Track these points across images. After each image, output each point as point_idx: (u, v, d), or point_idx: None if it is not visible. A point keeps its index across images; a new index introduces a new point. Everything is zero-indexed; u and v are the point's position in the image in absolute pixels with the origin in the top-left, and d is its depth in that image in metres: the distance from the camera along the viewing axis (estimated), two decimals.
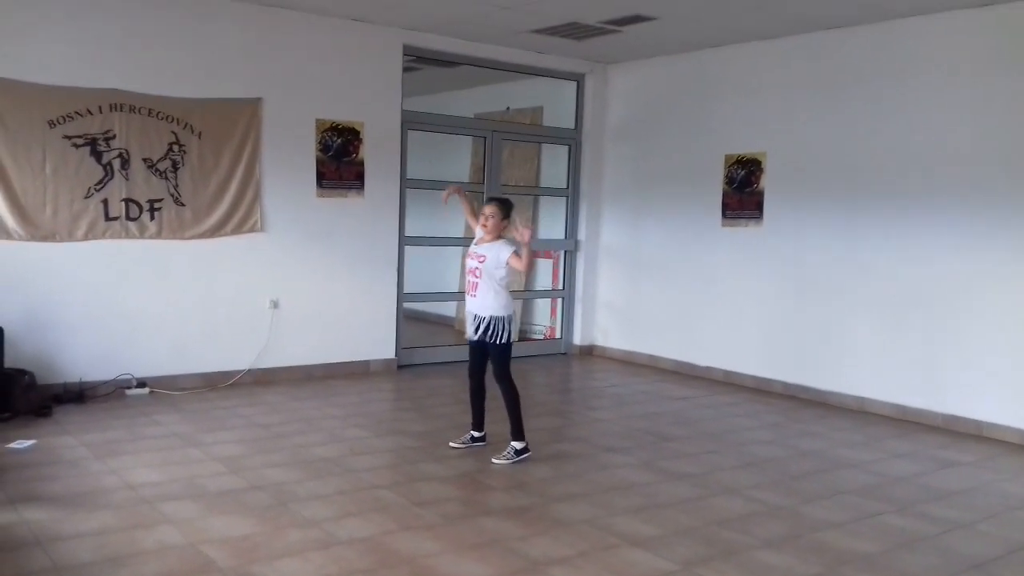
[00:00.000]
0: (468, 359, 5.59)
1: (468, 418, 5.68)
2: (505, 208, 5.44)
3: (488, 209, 5.42)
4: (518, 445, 5.35)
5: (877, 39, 6.98)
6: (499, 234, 5.41)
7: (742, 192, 8.04)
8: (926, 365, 6.70)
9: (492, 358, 5.41)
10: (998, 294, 6.30)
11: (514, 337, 5.42)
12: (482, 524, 4.26)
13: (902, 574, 3.83)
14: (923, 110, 6.70)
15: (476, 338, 5.41)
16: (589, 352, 9.54)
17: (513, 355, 5.48)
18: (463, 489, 4.81)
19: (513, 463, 5.27)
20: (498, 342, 5.33)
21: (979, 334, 6.40)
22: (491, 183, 8.99)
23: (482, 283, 5.34)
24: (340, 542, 3.97)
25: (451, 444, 5.58)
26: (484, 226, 5.42)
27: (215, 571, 3.61)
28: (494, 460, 5.29)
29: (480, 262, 5.36)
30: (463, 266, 10.70)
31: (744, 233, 8.04)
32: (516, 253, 5.27)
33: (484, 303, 5.34)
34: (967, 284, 6.46)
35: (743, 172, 8.02)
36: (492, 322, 5.32)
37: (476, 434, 5.62)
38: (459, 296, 10.67)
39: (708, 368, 8.36)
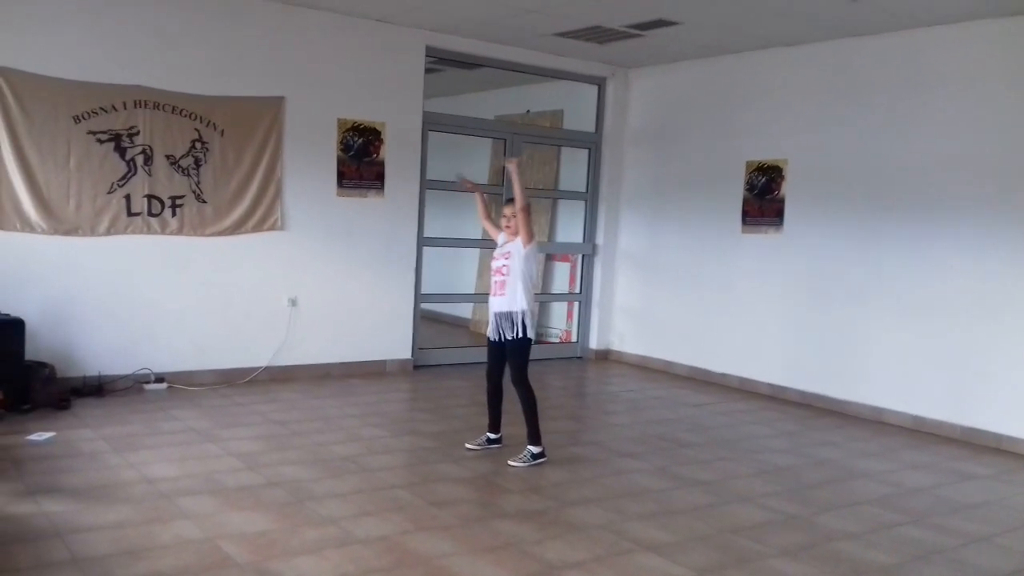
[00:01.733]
0: (486, 361, 5.59)
1: (484, 419, 5.69)
2: (526, 212, 5.40)
3: (508, 210, 5.42)
4: (535, 449, 5.35)
5: (900, 47, 6.95)
6: (518, 233, 5.38)
7: (762, 199, 8.02)
8: (945, 376, 6.66)
9: (510, 360, 5.40)
10: (1020, 306, 6.25)
11: (532, 334, 5.39)
12: (497, 526, 4.27)
13: None
14: (946, 119, 6.67)
15: (496, 337, 5.40)
16: (605, 356, 9.53)
17: (530, 358, 5.48)
18: (479, 491, 4.82)
19: (529, 467, 5.27)
20: (518, 335, 5.30)
21: (999, 346, 6.35)
22: (510, 185, 8.96)
23: (510, 280, 5.33)
24: (357, 540, 3.98)
25: (467, 446, 5.59)
26: (507, 227, 5.42)
27: (232, 566, 3.64)
28: (510, 463, 5.29)
29: (507, 259, 5.35)
30: (481, 267, 10.81)
31: (764, 240, 8.01)
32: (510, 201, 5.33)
33: (511, 300, 5.32)
34: (988, 295, 6.42)
35: (764, 179, 8.00)
36: (514, 317, 5.30)
37: (492, 436, 5.63)
38: (476, 298, 10.75)
39: (724, 375, 8.34)
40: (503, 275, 5.37)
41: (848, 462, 5.80)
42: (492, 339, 5.47)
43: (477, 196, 5.88)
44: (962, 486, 5.40)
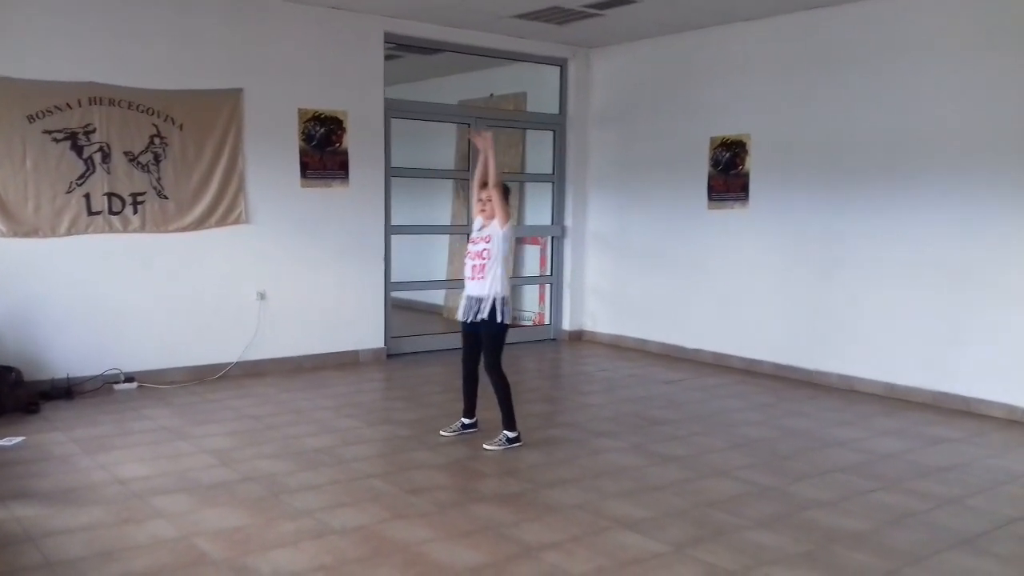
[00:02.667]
0: (461, 346, 5.57)
1: (459, 406, 5.69)
2: (499, 193, 5.34)
3: (484, 193, 5.35)
4: (510, 434, 5.35)
5: (863, 18, 6.98)
6: (497, 215, 5.31)
7: (727, 174, 8.05)
8: (914, 343, 6.74)
9: (485, 346, 5.35)
10: (984, 272, 6.33)
11: (508, 320, 5.35)
12: (475, 511, 4.27)
13: (892, 550, 3.86)
14: (910, 89, 6.72)
15: (472, 319, 5.33)
16: (578, 337, 9.55)
17: (504, 343, 5.46)
18: (455, 476, 4.82)
19: (504, 450, 5.27)
20: (497, 320, 5.25)
21: (967, 311, 6.44)
22: (476, 170, 8.95)
23: (489, 265, 5.26)
24: (334, 532, 3.97)
25: (441, 432, 5.58)
26: (483, 211, 5.35)
27: (208, 564, 3.61)
28: (486, 446, 5.29)
29: (487, 243, 5.28)
30: (451, 253, 10.77)
31: (730, 215, 8.05)
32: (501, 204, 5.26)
33: (488, 284, 5.25)
34: (954, 262, 6.49)
35: (728, 154, 8.03)
36: (493, 302, 5.25)
37: (467, 421, 5.61)
38: (447, 284, 10.72)
39: (697, 351, 8.39)
40: (483, 259, 5.28)
41: (821, 431, 5.86)
42: (465, 322, 5.42)
43: (482, 155, 5.49)
44: (933, 450, 5.47)
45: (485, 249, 5.30)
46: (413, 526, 4.05)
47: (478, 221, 5.45)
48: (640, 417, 6.19)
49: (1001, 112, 6.19)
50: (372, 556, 3.71)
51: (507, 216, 5.30)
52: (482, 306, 5.28)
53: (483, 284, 5.29)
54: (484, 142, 5.34)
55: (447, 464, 5.02)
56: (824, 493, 4.60)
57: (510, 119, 9.81)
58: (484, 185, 5.39)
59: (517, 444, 5.34)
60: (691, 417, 6.23)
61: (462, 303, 5.47)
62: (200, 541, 3.84)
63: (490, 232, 5.31)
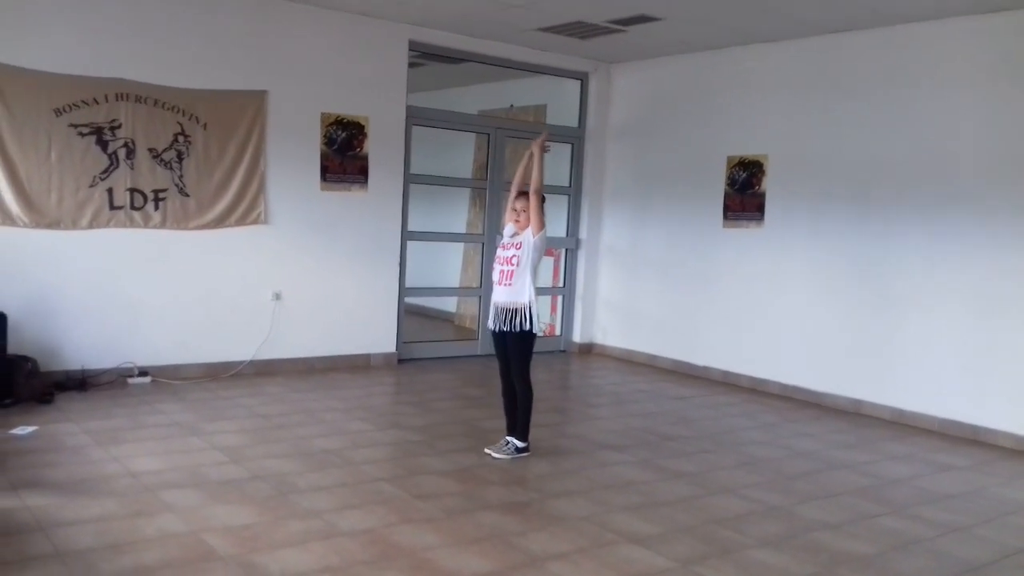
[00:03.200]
0: (497, 359, 5.46)
1: (470, 413, 5.75)
2: (536, 202, 5.27)
3: (520, 204, 5.28)
4: (520, 444, 5.35)
5: (881, 44, 7.01)
6: (530, 223, 5.26)
7: (744, 194, 8.07)
8: (924, 369, 6.74)
9: (512, 354, 5.29)
10: (997, 300, 6.33)
11: (538, 329, 5.28)
12: (482, 518, 4.29)
13: None
14: (926, 115, 6.73)
15: (502, 329, 5.27)
16: (588, 350, 9.57)
17: (533, 352, 5.42)
18: (463, 483, 4.84)
19: (512, 459, 5.29)
20: (523, 328, 5.20)
21: (978, 339, 6.43)
22: (494, 180, 9.02)
23: (518, 272, 5.22)
24: (341, 533, 4.00)
25: (490, 453, 5.35)
26: (517, 221, 5.30)
27: (216, 560, 3.65)
28: (494, 455, 5.30)
29: (518, 249, 5.24)
30: (465, 261, 10.81)
31: (745, 234, 8.07)
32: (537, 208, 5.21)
33: (518, 291, 5.21)
34: (968, 288, 6.49)
35: (745, 174, 8.05)
36: (520, 309, 5.21)
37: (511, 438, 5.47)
38: (460, 292, 10.76)
39: (706, 368, 8.40)
40: (512, 265, 5.24)
41: (828, 453, 5.87)
42: (494, 331, 5.36)
43: (536, 161, 5.37)
44: (940, 477, 5.47)
45: (515, 255, 5.25)
46: (420, 531, 4.08)
47: (510, 228, 5.41)
48: (649, 432, 6.20)
49: (1018, 139, 6.20)
50: (379, 559, 3.73)
51: (542, 224, 5.24)
52: (509, 315, 5.24)
53: (511, 291, 5.25)
54: (537, 145, 5.30)
55: (455, 471, 5.05)
56: (830, 515, 4.61)
57: (529, 130, 9.82)
58: (521, 194, 5.33)
59: (525, 455, 5.36)
60: (699, 434, 6.24)
61: (491, 311, 5.41)
62: (209, 537, 3.87)
63: (522, 239, 5.27)
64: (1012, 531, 4.55)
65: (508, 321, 5.25)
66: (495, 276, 5.37)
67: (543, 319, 9.44)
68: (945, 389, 6.62)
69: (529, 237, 5.23)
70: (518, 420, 5.36)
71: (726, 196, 8.22)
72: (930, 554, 4.16)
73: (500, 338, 5.37)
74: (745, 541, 4.18)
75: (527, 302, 5.23)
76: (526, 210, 5.25)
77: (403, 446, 5.55)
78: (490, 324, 5.42)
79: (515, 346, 5.29)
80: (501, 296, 5.30)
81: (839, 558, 4.03)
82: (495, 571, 3.68)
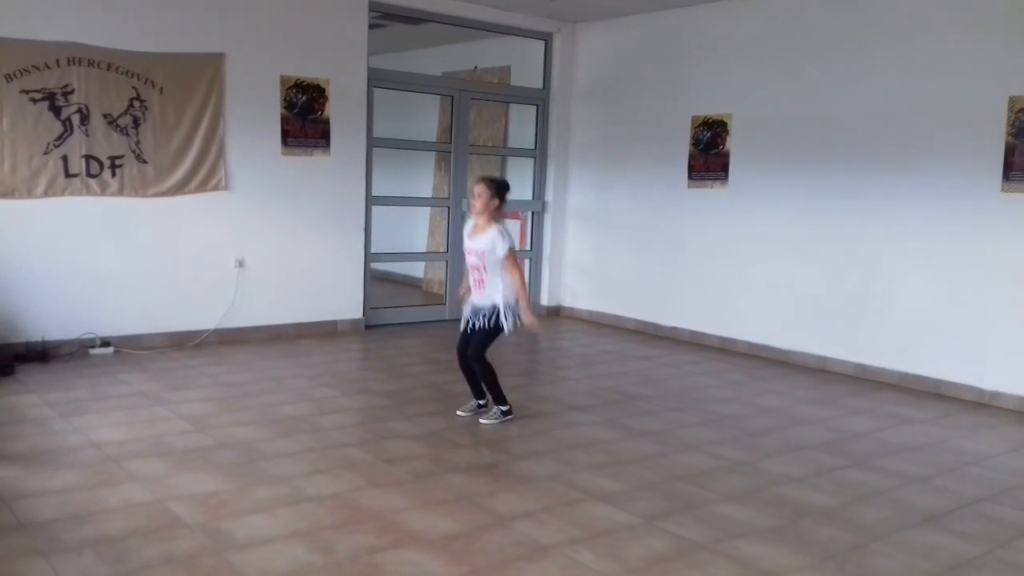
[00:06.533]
0: (460, 336, 5.40)
1: (437, 377, 5.80)
2: (494, 188, 5.17)
3: (476, 188, 5.18)
4: (503, 408, 5.34)
5: (847, 2, 7.00)
6: (491, 217, 5.16)
7: (708, 154, 8.07)
8: (886, 324, 6.83)
9: (476, 336, 5.23)
10: (955, 256, 6.41)
11: (507, 327, 5.18)
12: (449, 480, 4.31)
13: (859, 526, 3.94)
14: (891, 71, 6.75)
15: (475, 323, 5.22)
16: (556, 313, 9.59)
17: (492, 342, 5.37)
18: (431, 447, 4.85)
19: (500, 423, 5.28)
20: (490, 324, 5.15)
21: (938, 295, 6.52)
22: (459, 143, 8.95)
23: (488, 277, 5.15)
24: (309, 498, 3.99)
25: (459, 412, 5.45)
26: (474, 205, 5.20)
27: (182, 527, 3.63)
28: (481, 420, 5.29)
29: (480, 258, 5.15)
30: (432, 225, 10.76)
31: (710, 194, 8.09)
32: (512, 251, 5.13)
33: (491, 295, 5.16)
34: (928, 245, 6.57)
35: (709, 134, 8.05)
36: (493, 310, 5.15)
37: (480, 402, 5.50)
38: (426, 256, 10.71)
39: (673, 328, 8.45)
40: (480, 273, 5.17)
41: (792, 410, 5.94)
42: (466, 324, 5.32)
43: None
44: (901, 430, 5.56)
45: (479, 264, 5.17)
46: (388, 494, 4.08)
47: (468, 225, 5.34)
48: (615, 392, 6.24)
49: (982, 96, 6.24)
50: (347, 523, 3.74)
51: (507, 245, 5.12)
52: (481, 315, 5.19)
53: (483, 295, 5.20)
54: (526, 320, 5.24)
55: (423, 434, 5.05)
56: (794, 469, 4.68)
57: (494, 92, 9.77)
58: (482, 180, 5.23)
59: (510, 417, 5.35)
60: (665, 393, 6.29)
61: (465, 313, 5.35)
62: (175, 505, 3.85)
63: (482, 246, 5.13)
64: (971, 481, 4.64)
65: (482, 317, 5.20)
66: (469, 279, 5.31)
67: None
68: (907, 344, 6.71)
69: (495, 248, 5.09)
70: (489, 392, 5.35)
71: (691, 156, 8.22)
72: (891, 504, 4.24)
73: (469, 326, 5.32)
74: (709, 496, 4.23)
75: (499, 303, 5.15)
76: (481, 195, 5.14)
77: (371, 411, 5.54)
78: (461, 325, 5.36)
79: (480, 332, 5.22)
80: (476, 299, 5.26)
81: (803, 510, 4.10)
82: (463, 532, 3.69)
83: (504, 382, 5.41)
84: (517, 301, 5.19)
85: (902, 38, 6.67)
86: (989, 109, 6.18)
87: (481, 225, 5.21)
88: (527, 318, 5.21)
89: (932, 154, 6.52)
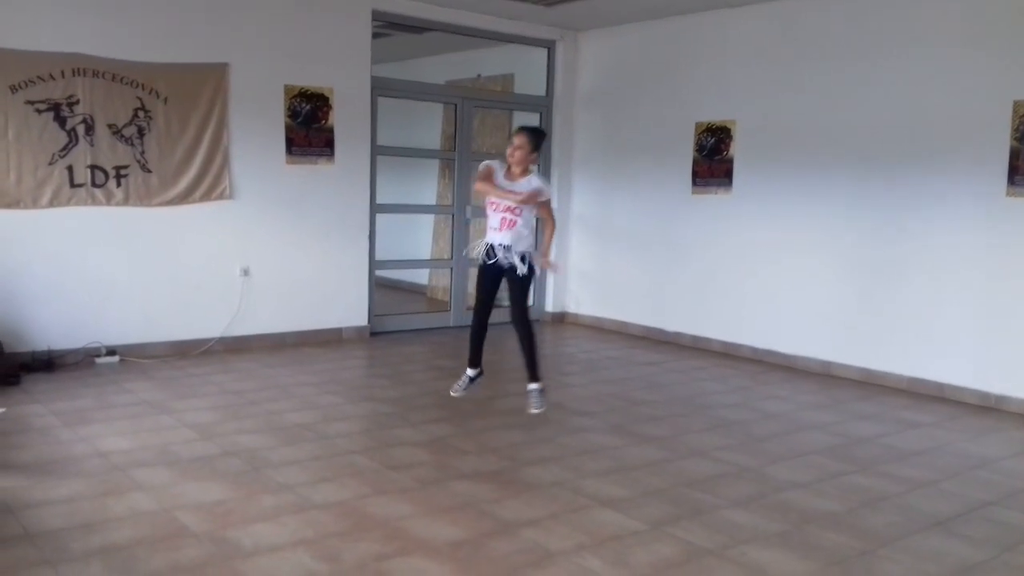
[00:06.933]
0: (478, 292, 5.39)
1: (442, 384, 5.74)
2: (535, 138, 5.24)
3: (517, 139, 5.21)
4: (539, 385, 5.37)
5: (850, 7, 7.01)
6: (527, 167, 5.22)
7: (712, 160, 8.08)
8: (890, 329, 6.82)
9: (514, 296, 5.22)
10: (960, 260, 6.40)
11: (537, 270, 5.35)
12: (455, 487, 4.31)
13: (865, 532, 3.93)
14: (895, 77, 6.76)
15: (501, 263, 5.20)
16: (561, 319, 9.59)
17: (489, 322, 5.48)
18: (436, 454, 4.85)
19: (543, 410, 5.36)
20: (525, 271, 5.18)
21: (942, 299, 6.51)
22: (462, 150, 8.97)
23: (520, 220, 5.17)
24: (315, 506, 4.00)
25: (452, 392, 5.53)
26: (512, 156, 5.23)
27: (189, 536, 3.63)
28: (533, 410, 5.31)
29: (516, 212, 5.17)
30: (436, 233, 10.76)
31: (714, 200, 8.09)
32: (547, 206, 5.33)
33: (518, 237, 5.17)
34: (931, 251, 6.56)
35: (713, 140, 8.06)
36: (521, 253, 5.20)
37: (472, 372, 5.54)
38: (431, 264, 10.72)
39: (677, 333, 8.45)
40: (515, 215, 5.16)
41: (797, 415, 5.94)
42: (487, 264, 5.26)
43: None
44: (907, 434, 5.55)
45: (513, 214, 5.18)
46: (394, 502, 4.08)
47: (500, 169, 5.29)
48: (620, 398, 6.24)
49: (987, 101, 6.24)
50: (353, 531, 3.74)
51: (545, 197, 5.28)
52: (510, 254, 5.19)
53: (508, 235, 5.20)
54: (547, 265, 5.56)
55: (428, 441, 5.05)
56: (800, 475, 4.67)
57: (497, 100, 9.79)
58: (521, 130, 5.30)
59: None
60: (670, 399, 6.29)
61: (483, 247, 5.31)
62: (181, 514, 3.86)
63: (522, 188, 5.16)
64: (977, 485, 4.63)
65: (510, 258, 5.21)
66: (492, 221, 5.27)
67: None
68: (912, 348, 6.70)
69: (536, 188, 5.18)
70: (529, 362, 5.35)
71: (694, 163, 8.23)
72: (898, 509, 4.23)
73: (494, 273, 5.30)
74: (716, 502, 4.23)
75: (526, 249, 5.22)
76: (522, 147, 5.20)
77: (376, 418, 5.55)
78: (481, 255, 5.33)
79: (516, 288, 5.23)
80: (500, 239, 5.22)
81: (809, 516, 4.09)
82: (469, 539, 3.69)
83: (508, 387, 5.43)
84: (537, 247, 5.34)
85: (906, 44, 6.68)
86: (993, 114, 6.18)
87: (516, 173, 5.26)
88: (548, 261, 5.48)
89: (937, 159, 6.52)
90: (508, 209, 5.19)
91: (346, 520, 3.85)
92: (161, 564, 3.36)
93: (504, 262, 5.24)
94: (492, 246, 5.27)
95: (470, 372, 5.60)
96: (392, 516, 3.91)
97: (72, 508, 3.88)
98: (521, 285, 5.26)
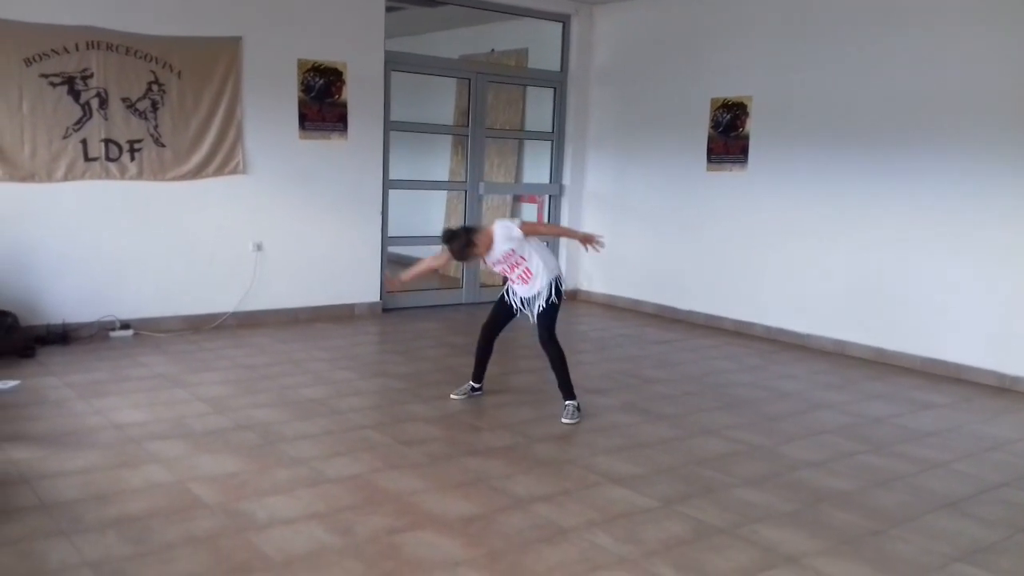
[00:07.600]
0: (491, 311, 5.34)
1: (454, 360, 5.75)
2: (452, 243, 5.00)
3: (448, 253, 5.07)
4: (575, 402, 5.17)
5: None
6: (488, 247, 4.98)
7: (727, 136, 8.02)
8: (905, 308, 6.78)
9: (541, 320, 5.09)
10: (976, 240, 6.35)
11: (563, 294, 5.14)
12: (467, 463, 4.32)
13: (877, 511, 3.92)
14: (911, 53, 6.67)
15: (525, 307, 5.13)
16: (573, 297, 9.57)
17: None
18: (448, 429, 4.86)
19: (577, 421, 5.09)
20: (554, 300, 5.05)
21: (958, 279, 6.46)
22: (475, 126, 8.93)
23: (531, 264, 5.03)
24: (328, 480, 4.02)
25: (452, 396, 5.46)
26: (479, 257, 5.07)
27: (202, 508, 3.66)
28: (564, 420, 5.06)
29: (512, 257, 5.02)
30: (448, 209, 10.75)
31: (728, 177, 8.04)
32: (520, 223, 5.09)
33: (537, 276, 5.04)
34: (948, 229, 6.51)
35: (728, 116, 7.99)
36: (549, 286, 5.04)
37: (475, 385, 5.48)
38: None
39: (690, 312, 8.43)
40: (522, 265, 5.04)
41: (810, 394, 5.92)
42: (508, 303, 5.20)
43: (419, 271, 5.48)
44: (920, 415, 5.53)
45: (516, 262, 5.05)
46: (406, 476, 4.10)
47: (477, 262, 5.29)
48: (632, 376, 6.23)
49: (1005, 77, 6.16)
50: (365, 504, 3.76)
51: (513, 226, 5.05)
52: (538, 296, 5.06)
53: (530, 287, 5.08)
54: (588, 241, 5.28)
55: (440, 417, 5.07)
56: (812, 454, 4.66)
57: (511, 75, 9.73)
58: (447, 242, 5.08)
59: (579, 415, 5.17)
60: (683, 377, 6.28)
61: (513, 293, 5.19)
62: (195, 486, 3.88)
63: (505, 250, 5.00)
64: (991, 466, 4.61)
65: (534, 301, 5.09)
66: (512, 278, 5.15)
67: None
68: (927, 328, 6.66)
69: (506, 243, 4.98)
70: (561, 383, 5.18)
71: (710, 139, 8.16)
72: (910, 489, 4.22)
73: (509, 306, 5.21)
74: (728, 480, 4.22)
75: (549, 282, 5.04)
76: (455, 253, 5.03)
77: (388, 394, 5.56)
78: (507, 293, 5.23)
79: (544, 314, 5.08)
80: (528, 292, 5.10)
81: (821, 495, 4.08)
82: (480, 514, 3.70)
83: (522, 364, 5.42)
84: (561, 276, 5.13)
85: (923, 19, 6.59)
86: (1011, 88, 6.10)
87: (483, 253, 5.04)
88: (585, 235, 5.29)
89: (953, 136, 6.45)
90: (512, 267, 5.08)
91: (358, 494, 3.87)
92: (175, 535, 3.39)
93: (533, 306, 5.11)
94: (519, 296, 5.16)
95: (473, 384, 5.49)
96: (404, 491, 3.92)
97: (87, 479, 3.91)
98: (547, 312, 5.12)
